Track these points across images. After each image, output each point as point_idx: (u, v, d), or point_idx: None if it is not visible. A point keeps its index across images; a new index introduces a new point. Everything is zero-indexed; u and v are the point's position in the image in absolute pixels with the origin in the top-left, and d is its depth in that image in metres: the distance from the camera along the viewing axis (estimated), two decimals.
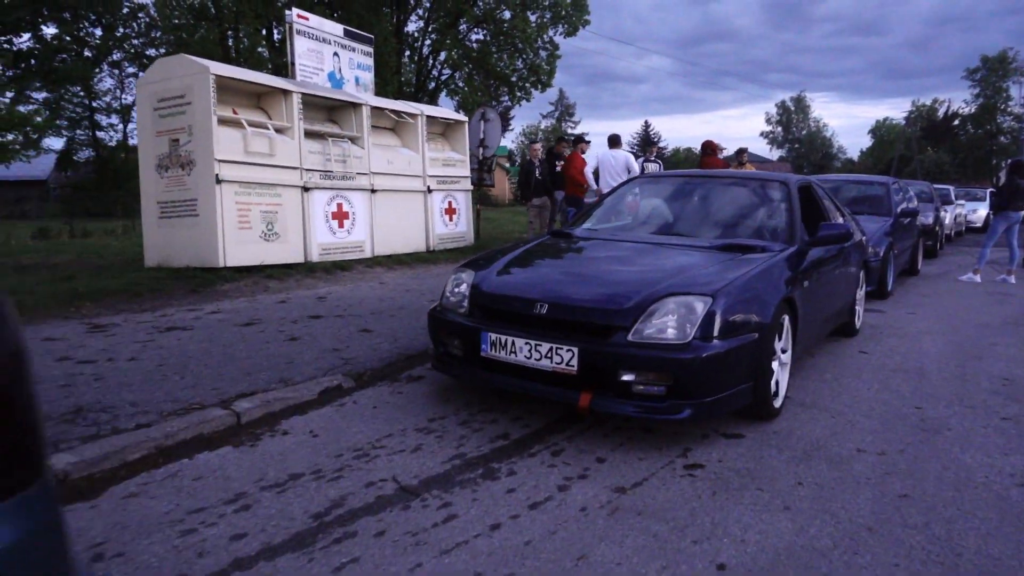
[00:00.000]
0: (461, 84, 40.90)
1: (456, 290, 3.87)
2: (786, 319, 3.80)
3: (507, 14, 37.86)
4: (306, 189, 8.25)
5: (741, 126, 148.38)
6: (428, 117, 10.67)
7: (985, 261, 9.80)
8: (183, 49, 27.06)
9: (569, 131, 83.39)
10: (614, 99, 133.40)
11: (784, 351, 3.85)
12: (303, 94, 8.36)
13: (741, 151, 12.65)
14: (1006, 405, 4.08)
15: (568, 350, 3.26)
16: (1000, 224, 9.59)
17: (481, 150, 11.59)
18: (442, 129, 11.38)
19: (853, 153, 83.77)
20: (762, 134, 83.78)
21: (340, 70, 11.76)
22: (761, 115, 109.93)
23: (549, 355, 3.31)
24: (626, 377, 3.18)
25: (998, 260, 10.84)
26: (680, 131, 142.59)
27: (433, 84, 40.05)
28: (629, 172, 9.66)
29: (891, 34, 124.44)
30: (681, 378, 3.13)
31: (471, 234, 11.43)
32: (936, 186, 19.87)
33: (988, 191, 23.88)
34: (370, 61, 12.16)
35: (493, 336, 3.49)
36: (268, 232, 7.77)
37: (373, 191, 9.29)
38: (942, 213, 15.64)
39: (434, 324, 3.89)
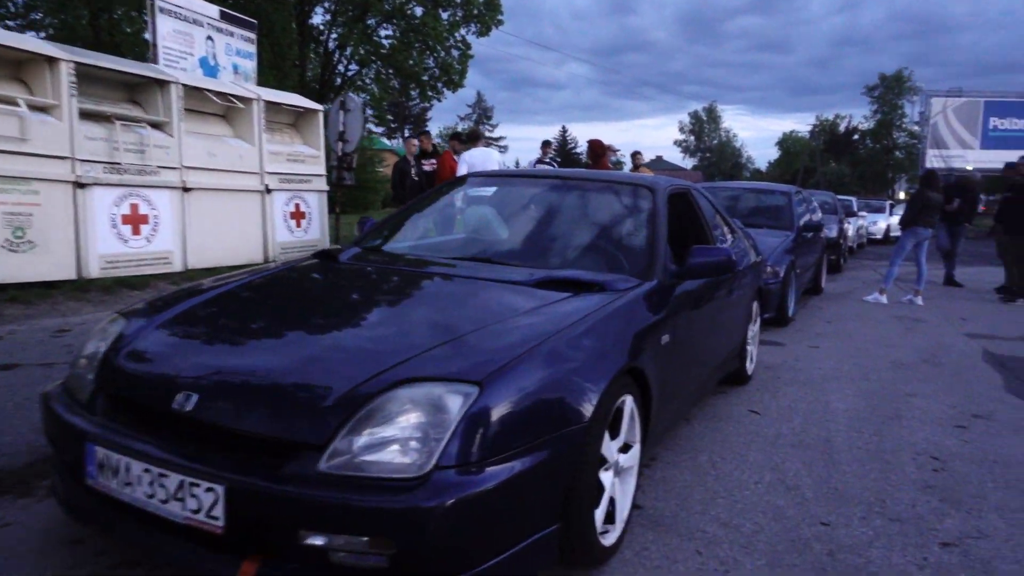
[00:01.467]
0: (368, 82, 39.05)
1: (84, 356, 2.30)
2: (628, 401, 2.42)
3: (418, 10, 36.32)
4: (81, 185, 6.43)
5: (657, 135, 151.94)
6: (269, 103, 8.98)
7: (892, 280, 8.93)
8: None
9: (487, 134, 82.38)
10: (535, 105, 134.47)
11: (626, 449, 2.47)
12: (78, 63, 6.53)
13: (635, 154, 11.51)
14: (943, 516, 2.84)
15: (209, 488, 1.76)
16: (908, 240, 8.73)
17: (341, 145, 9.96)
18: (292, 119, 9.70)
19: (762, 164, 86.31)
20: (676, 143, 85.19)
21: (215, 56, 10.37)
22: (676, 124, 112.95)
23: (180, 495, 1.79)
24: (314, 540, 1.71)
25: (904, 277, 10.06)
26: (600, 137, 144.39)
27: (340, 80, 38.03)
28: None
29: (796, 53, 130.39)
30: (412, 543, 1.69)
31: (327, 242, 9.79)
32: (840, 197, 19.54)
33: (888, 203, 23.98)
34: (252, 48, 10.88)
35: (102, 453, 1.94)
36: (15, 240, 5.92)
37: (186, 189, 7.53)
38: (846, 225, 15.06)
39: (44, 416, 2.30)
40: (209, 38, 9.98)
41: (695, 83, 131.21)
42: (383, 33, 37.62)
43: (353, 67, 39.21)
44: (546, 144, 10.93)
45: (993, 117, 31.36)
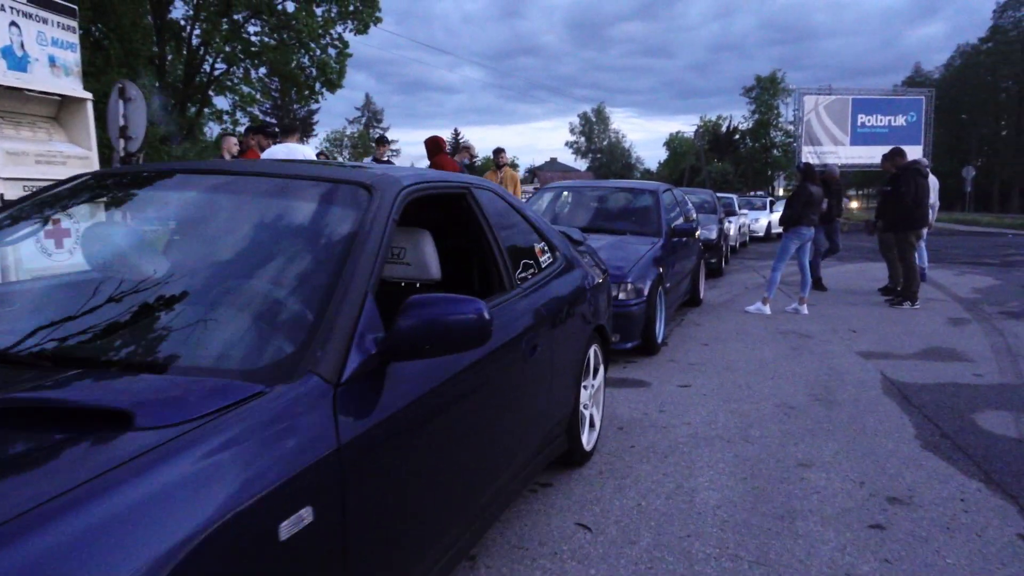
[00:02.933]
0: (237, 81, 36.24)
1: None
2: None
3: (291, 6, 33.93)
4: None
5: (552, 136, 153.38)
6: (5, 88, 6.95)
7: (775, 288, 7.93)
8: None
9: (385, 137, 79.39)
10: (430, 108, 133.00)
11: None
12: None
13: (497, 151, 10.11)
14: None
15: None
16: (791, 243, 7.74)
17: (123, 143, 8.00)
18: (51, 110, 7.67)
19: (652, 164, 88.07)
20: (567, 144, 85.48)
21: (23, 45, 8.51)
22: (568, 126, 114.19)
23: None
24: None
25: (788, 281, 9.16)
26: (495, 140, 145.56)
27: (206, 80, 34.99)
28: None
29: (677, 58, 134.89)
30: None
31: None
32: (720, 195, 19.01)
33: (768, 200, 23.88)
34: (74, 38, 9.38)
35: None
36: None
37: None
38: (726, 225, 14.31)
39: None
40: (14, 24, 8.34)
41: (585, 86, 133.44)
42: (252, 30, 35.03)
43: (221, 66, 36.32)
44: (382, 141, 9.38)
45: (861, 114, 32.38)
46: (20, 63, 9.34)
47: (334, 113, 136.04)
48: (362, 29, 36.68)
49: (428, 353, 1.61)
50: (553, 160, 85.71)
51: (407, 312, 1.59)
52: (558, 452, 2.97)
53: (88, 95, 7.90)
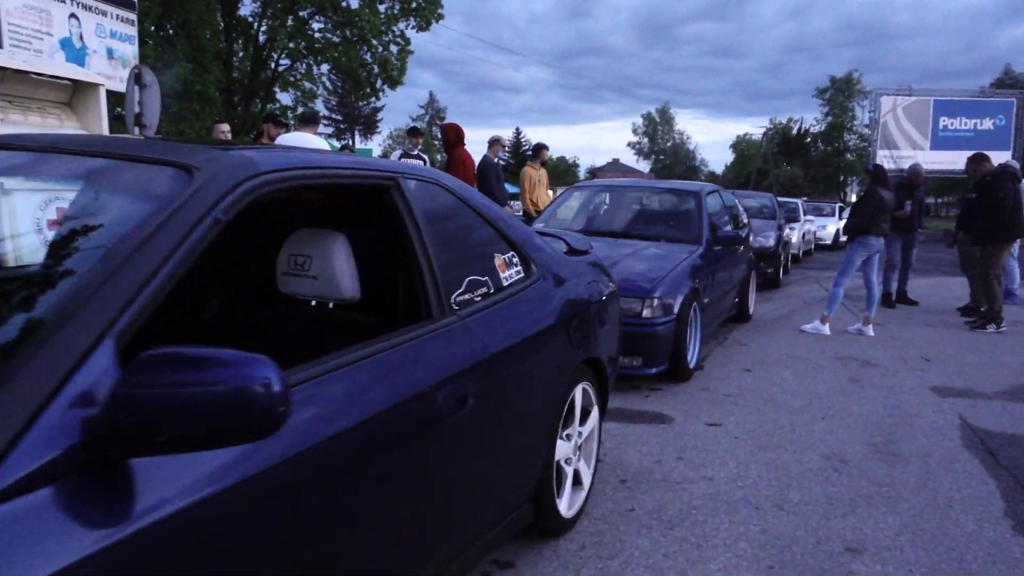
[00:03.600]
0: (299, 77, 36.71)
1: None
2: None
3: (354, 3, 34.14)
4: None
5: (615, 138, 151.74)
6: (13, 72, 6.65)
7: (837, 306, 6.98)
8: None
9: (439, 136, 79.60)
10: (495, 108, 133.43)
11: None
12: None
13: (539, 147, 9.41)
14: None
15: None
16: (857, 255, 6.79)
17: (138, 130, 7.67)
18: (65, 95, 7.37)
19: (718, 167, 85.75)
20: (629, 144, 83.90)
21: (82, 37, 8.85)
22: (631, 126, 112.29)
23: None
24: None
25: (851, 294, 8.18)
26: (558, 140, 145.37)
27: (271, 76, 35.52)
28: None
29: (748, 58, 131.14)
30: None
31: None
32: (782, 199, 17.82)
33: (836, 206, 22.41)
34: (132, 31, 9.76)
35: None
36: None
37: None
38: (788, 231, 13.25)
39: None
40: (73, 16, 8.65)
41: (651, 87, 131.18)
42: (316, 27, 35.43)
43: (285, 62, 36.92)
44: (415, 132, 8.82)
45: (943, 117, 30.27)
46: (78, 55, 9.38)
47: (396, 110, 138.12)
48: (424, 26, 36.59)
49: (168, 447, 0.96)
50: (615, 161, 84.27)
51: (137, 374, 0.95)
52: (519, 525, 2.29)
53: (100, 80, 7.59)
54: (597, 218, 6.20)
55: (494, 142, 8.60)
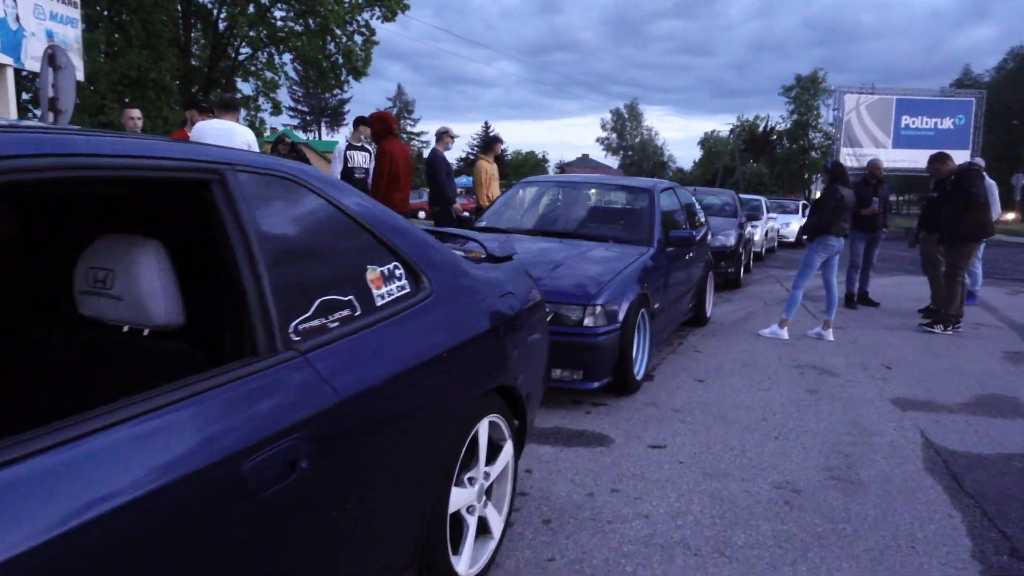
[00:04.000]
0: (259, 67, 35.73)
1: None
2: None
3: None
4: None
5: (585, 133, 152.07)
6: None
7: (796, 309, 6.69)
8: None
9: (408, 129, 78.71)
10: (465, 102, 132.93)
11: None
12: None
13: (493, 140, 8.97)
14: None
15: None
16: (817, 256, 6.50)
17: (52, 116, 7.05)
18: None
19: (687, 164, 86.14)
20: (597, 140, 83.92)
21: (18, 18, 8.32)
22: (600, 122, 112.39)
23: None
24: None
25: (813, 296, 7.92)
26: (529, 136, 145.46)
27: (232, 64, 34.49)
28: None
29: (717, 56, 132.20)
30: None
31: None
32: (745, 196, 17.63)
33: (800, 203, 22.36)
34: (75, 13, 9.25)
35: None
36: None
37: None
38: (749, 229, 13.03)
39: None
40: None
41: (622, 83, 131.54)
42: (278, 15, 34.53)
43: (246, 50, 35.95)
44: (360, 122, 8.35)
45: (905, 115, 30.53)
46: (14, 37, 8.69)
47: (367, 103, 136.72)
48: (390, 16, 35.94)
49: None
50: (585, 156, 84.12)
51: None
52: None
53: (8, 60, 7.01)
54: (543, 216, 5.81)
55: (443, 134, 8.16)
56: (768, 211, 16.84)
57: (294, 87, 60.80)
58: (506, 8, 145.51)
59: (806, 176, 63.22)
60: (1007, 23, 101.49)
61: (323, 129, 75.28)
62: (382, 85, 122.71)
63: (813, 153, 62.62)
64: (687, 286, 6.07)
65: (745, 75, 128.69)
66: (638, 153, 79.95)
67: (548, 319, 3.48)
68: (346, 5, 33.44)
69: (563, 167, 71.51)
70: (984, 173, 7.23)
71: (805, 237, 6.73)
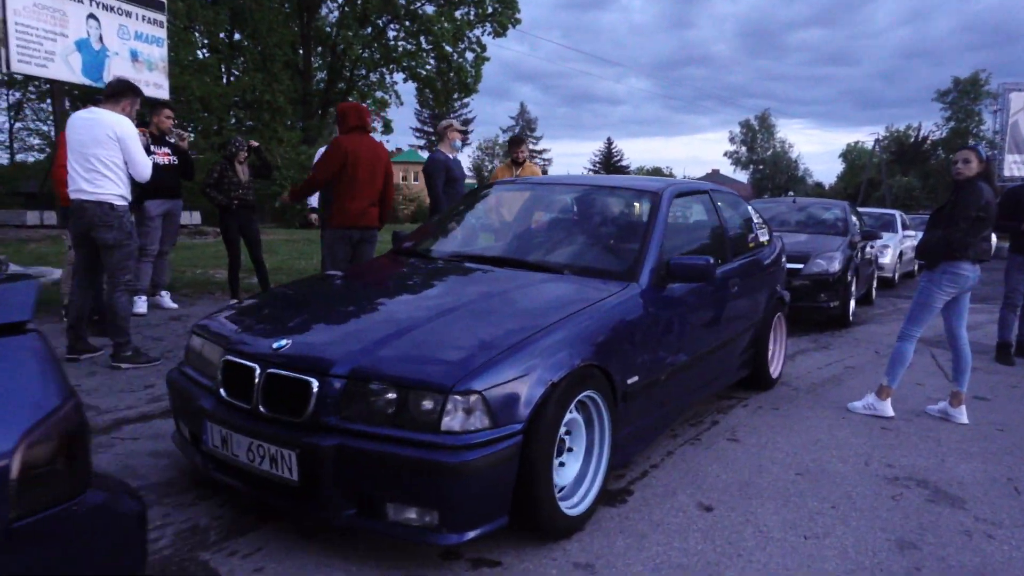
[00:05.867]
0: (371, 87, 36.29)
1: None
2: None
3: (429, 8, 33.28)
4: None
5: (716, 148, 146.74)
6: None
7: (903, 371, 4.42)
8: None
9: (532, 147, 78.24)
10: (595, 120, 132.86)
11: None
12: None
13: (515, 141, 7.25)
14: None
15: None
16: (940, 291, 4.23)
17: None
18: None
19: (829, 178, 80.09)
20: (725, 154, 79.42)
21: (101, 39, 8.32)
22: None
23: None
24: None
25: (942, 344, 5.56)
26: (659, 152, 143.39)
27: (344, 85, 35.17)
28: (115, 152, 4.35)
29: (861, 65, 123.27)
30: None
31: None
32: (877, 211, 14.71)
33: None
34: (161, 32, 9.17)
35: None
36: None
37: None
38: (877, 249, 10.41)
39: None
40: (92, 17, 8.13)
41: (757, 96, 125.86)
42: (391, 35, 35.03)
43: (361, 70, 36.69)
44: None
45: None
46: (96, 57, 8.32)
47: (487, 122, 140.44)
48: (500, 32, 35.39)
49: None
50: (715, 172, 79.94)
51: None
52: None
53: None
54: (490, 234, 4.02)
55: (445, 130, 6.56)
56: (906, 227, 13.84)
57: (418, 107, 61.94)
58: (636, 25, 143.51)
59: None
60: None
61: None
62: (509, 105, 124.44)
63: None
64: (724, 335, 4.03)
65: (894, 84, 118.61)
66: (770, 167, 74.74)
67: (391, 413, 2.24)
68: (457, 22, 33.08)
69: None
70: None
71: (923, 261, 4.46)
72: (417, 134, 72.63)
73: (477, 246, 3.84)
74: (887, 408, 4.36)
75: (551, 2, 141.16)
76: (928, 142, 60.18)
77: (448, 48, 33.10)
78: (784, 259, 5.27)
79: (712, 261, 3.29)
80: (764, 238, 4.84)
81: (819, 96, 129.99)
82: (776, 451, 3.67)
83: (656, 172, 78.34)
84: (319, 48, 35.38)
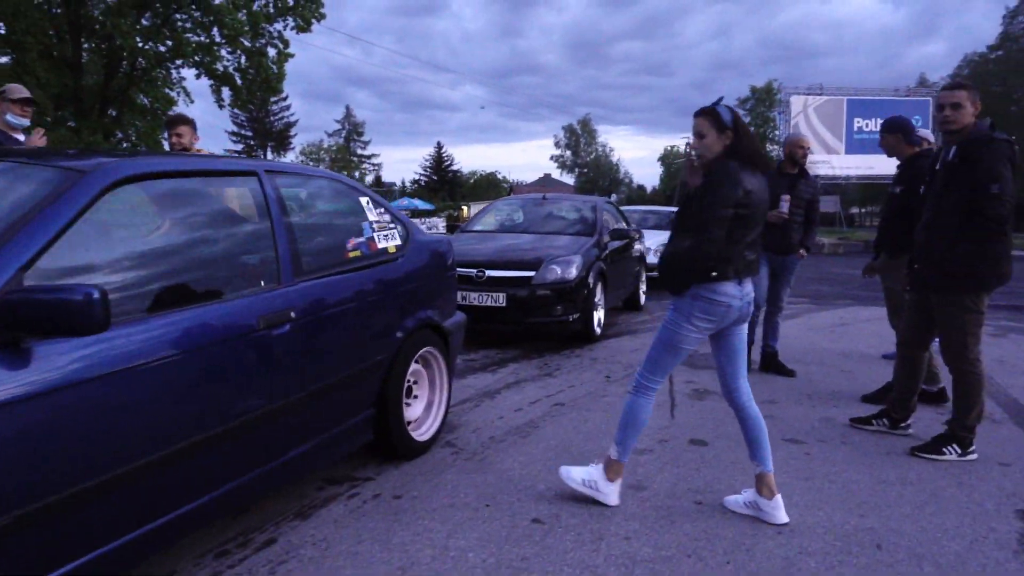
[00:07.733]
0: (158, 84, 32.31)
1: None
2: None
3: None
4: None
5: (549, 153, 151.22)
6: None
7: (635, 439, 2.92)
8: None
9: (359, 151, 74.69)
10: (432, 127, 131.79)
11: None
12: None
13: (172, 121, 5.26)
14: None
15: None
16: (686, 330, 2.73)
17: None
18: None
19: (653, 181, 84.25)
20: (552, 158, 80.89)
21: None
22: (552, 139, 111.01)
23: None
24: None
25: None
26: (496, 157, 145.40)
27: (126, 81, 30.80)
28: None
29: (677, 75, 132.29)
30: None
31: None
32: (658, 209, 14.27)
33: None
34: None
35: None
36: None
37: None
38: (639, 249, 9.53)
39: None
40: None
41: (587, 104, 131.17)
42: (179, 26, 31.29)
43: (144, 64, 32.45)
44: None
45: (857, 118, 27.61)
46: None
47: (310, 128, 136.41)
48: (304, 27, 32.62)
49: None
50: (547, 176, 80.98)
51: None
52: None
53: None
54: None
55: None
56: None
57: (236, 111, 56.99)
58: (468, 33, 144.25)
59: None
60: (956, 40, 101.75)
61: (268, 153, 71.54)
62: (339, 110, 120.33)
63: None
64: (278, 396, 2.41)
65: (706, 93, 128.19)
66: (592, 170, 76.94)
67: None
68: (252, 14, 30.07)
69: (511, 188, 68.52)
70: (1015, 147, 3.66)
71: (659, 274, 3.07)
72: (234, 138, 67.35)
73: None
74: (611, 493, 2.92)
75: (382, 6, 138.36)
76: None
77: (247, 43, 30.11)
78: (449, 269, 3.81)
79: (96, 294, 1.62)
80: (392, 243, 3.30)
81: (641, 104, 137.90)
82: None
83: (489, 177, 78.15)
84: (93, 39, 30.94)
